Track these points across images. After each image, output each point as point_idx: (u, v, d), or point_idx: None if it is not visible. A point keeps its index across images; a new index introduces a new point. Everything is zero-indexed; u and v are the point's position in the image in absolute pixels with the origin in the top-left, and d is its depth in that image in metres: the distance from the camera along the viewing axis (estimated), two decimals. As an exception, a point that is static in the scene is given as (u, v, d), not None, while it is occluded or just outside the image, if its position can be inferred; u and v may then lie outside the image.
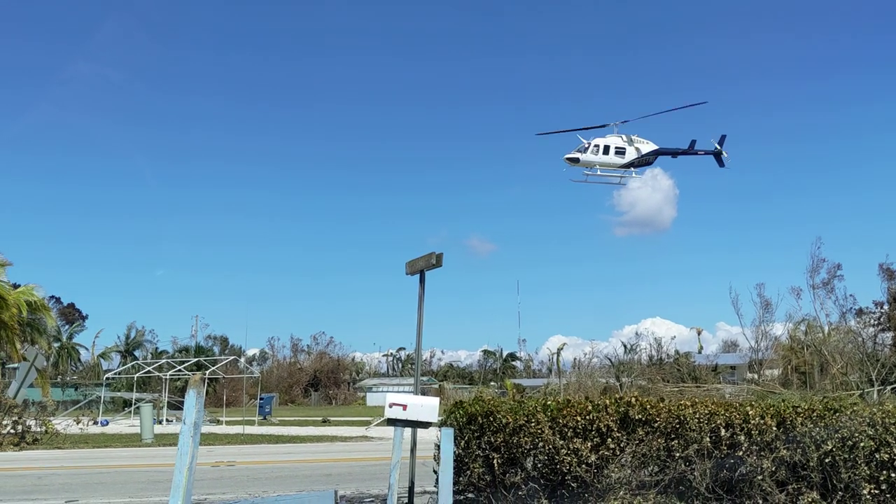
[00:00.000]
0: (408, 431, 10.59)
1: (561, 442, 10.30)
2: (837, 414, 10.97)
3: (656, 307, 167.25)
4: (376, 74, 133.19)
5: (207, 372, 48.21)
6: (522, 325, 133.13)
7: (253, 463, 20.34)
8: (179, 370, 49.86)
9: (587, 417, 10.47)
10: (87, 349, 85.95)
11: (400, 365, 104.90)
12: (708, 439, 10.53)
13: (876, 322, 52.69)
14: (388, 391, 73.70)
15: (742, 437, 10.61)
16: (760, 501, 10.67)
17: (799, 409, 10.94)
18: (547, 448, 10.29)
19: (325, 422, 45.15)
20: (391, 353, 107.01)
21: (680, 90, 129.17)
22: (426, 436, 11.10)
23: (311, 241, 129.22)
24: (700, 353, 78.71)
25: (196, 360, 55.07)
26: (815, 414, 10.89)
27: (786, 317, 54.65)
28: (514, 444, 10.34)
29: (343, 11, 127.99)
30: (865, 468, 10.80)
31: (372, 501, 13.09)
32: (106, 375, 59.01)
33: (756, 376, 54.35)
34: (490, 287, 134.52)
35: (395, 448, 9.66)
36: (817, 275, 48.93)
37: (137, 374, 50.44)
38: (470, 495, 10.67)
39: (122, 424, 41.70)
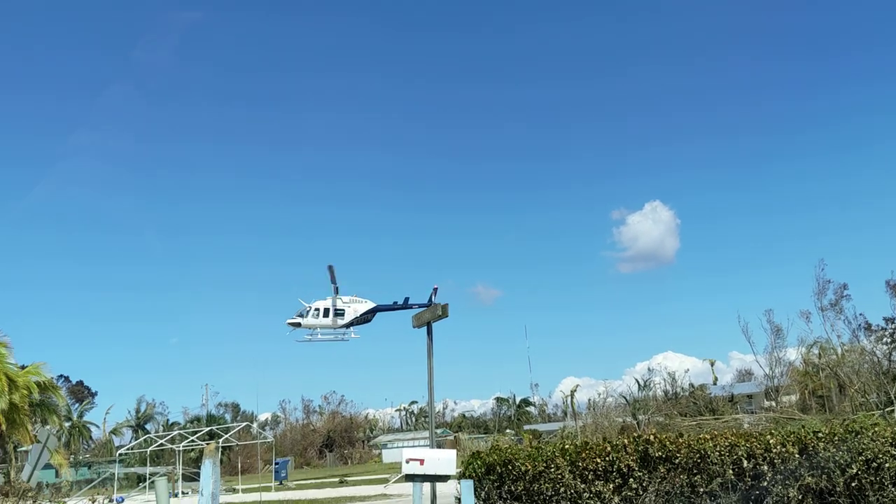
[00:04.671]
0: (427, 486, 10.47)
1: (582, 486, 10.17)
2: (859, 436, 10.84)
3: (667, 341, 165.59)
4: (381, 125, 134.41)
5: (220, 440, 47.81)
6: (533, 369, 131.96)
7: (272, 530, 20.05)
8: (192, 441, 49.44)
9: (607, 459, 10.34)
10: (97, 426, 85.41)
11: (413, 419, 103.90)
12: (731, 472, 10.40)
13: (889, 339, 52.33)
14: (403, 446, 73.07)
15: (765, 467, 10.48)
16: (790, 532, 10.48)
17: (820, 434, 10.82)
18: (569, 493, 10.15)
19: (342, 482, 44.59)
20: (404, 408, 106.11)
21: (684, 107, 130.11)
22: (445, 489, 10.96)
23: (316, 294, 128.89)
24: (715, 384, 77.95)
25: (208, 429, 54.56)
26: (836, 438, 10.76)
27: (798, 341, 54.57)
28: (535, 491, 10.19)
29: (346, 76, 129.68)
30: (893, 489, 10.64)
31: (395, 561, 12.86)
32: (119, 451, 58.43)
33: (774, 403, 53.85)
34: (498, 333, 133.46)
35: (416, 504, 9.54)
36: (824, 296, 48.92)
37: (150, 448, 50.00)
38: (495, 547, 10.48)
39: (137, 500, 41.21)
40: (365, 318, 47.41)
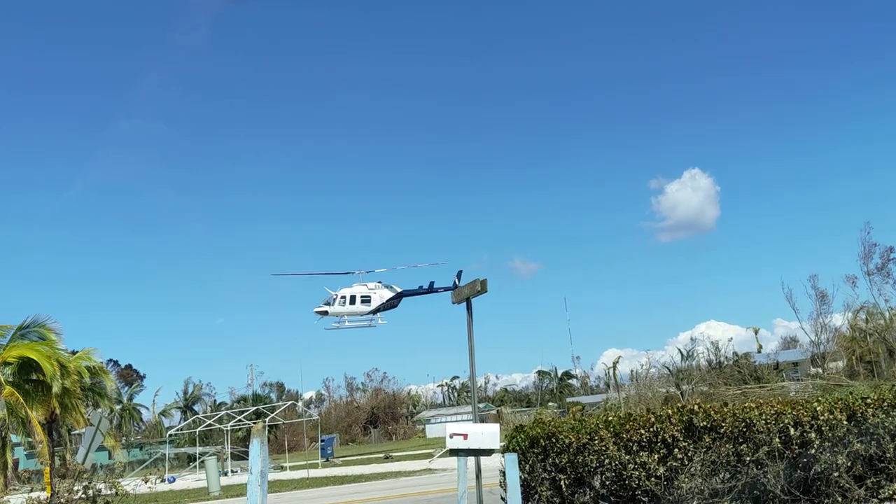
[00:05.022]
0: (471, 460, 10.54)
1: (627, 457, 10.16)
2: (909, 402, 10.66)
3: (709, 310, 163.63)
4: (412, 107, 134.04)
5: (267, 419, 48.64)
6: (574, 341, 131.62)
7: (320, 506, 20.38)
8: (239, 420, 50.34)
9: (651, 429, 10.30)
10: (147, 408, 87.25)
11: (455, 394, 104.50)
12: (777, 440, 10.29)
13: (939, 302, 51.15)
14: (446, 421, 73.52)
15: (813, 435, 10.35)
16: (839, 499, 10.37)
17: (868, 401, 10.65)
18: (613, 464, 10.15)
19: (387, 458, 45.10)
20: (446, 383, 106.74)
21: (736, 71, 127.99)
22: (490, 463, 11.03)
23: (345, 280, 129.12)
24: (759, 352, 77.11)
25: (255, 408, 55.51)
26: (885, 403, 10.59)
27: (844, 306, 53.69)
28: (579, 463, 10.21)
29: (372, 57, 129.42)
30: (945, 455, 10.45)
31: (442, 534, 13.00)
32: (168, 433, 59.82)
33: (820, 370, 53.15)
34: (538, 307, 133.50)
35: (461, 478, 9.61)
36: (871, 260, 48.11)
37: (199, 429, 51.01)
38: (541, 519, 10.54)
39: (188, 480, 42.13)
40: (391, 303, 47.77)
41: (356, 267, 48.61)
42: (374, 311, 47.16)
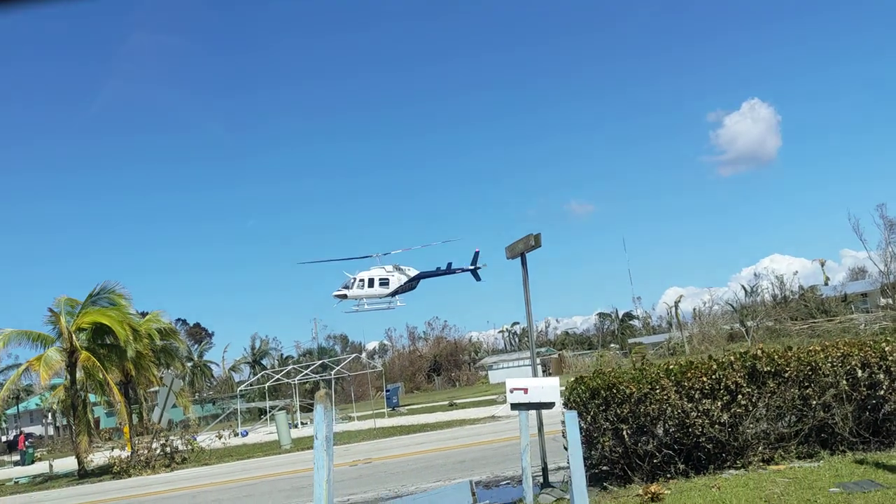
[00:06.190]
0: (533, 413, 10.62)
1: (689, 405, 10.11)
2: (984, 337, 10.34)
3: (773, 244, 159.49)
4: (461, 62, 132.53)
5: (333, 372, 49.69)
6: (635, 281, 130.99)
7: (388, 458, 20.82)
8: (306, 374, 51.53)
9: (713, 377, 10.22)
10: (217, 365, 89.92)
11: (516, 339, 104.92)
12: (844, 382, 10.14)
13: None
14: (509, 367, 73.90)
15: (881, 376, 10.17)
16: (910, 440, 10.19)
17: (940, 338, 10.40)
18: (676, 413, 10.12)
19: (451, 405, 45.69)
20: (506, 329, 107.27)
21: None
22: (552, 410, 11.09)
23: (411, 225, 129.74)
24: (826, 284, 75.34)
25: (320, 361, 56.67)
26: (959, 340, 10.32)
27: (914, 234, 51.89)
28: (641, 413, 10.21)
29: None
30: None
31: (508, 483, 13.21)
32: (239, 388, 61.56)
33: (890, 301, 51.83)
34: (596, 249, 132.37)
35: (523, 432, 9.71)
36: (942, 186, 46.14)
37: (268, 384, 52.40)
38: (604, 468, 10.60)
39: (260, 433, 43.42)
40: (410, 285, 48.34)
41: (374, 249, 49.57)
42: (393, 294, 47.73)
